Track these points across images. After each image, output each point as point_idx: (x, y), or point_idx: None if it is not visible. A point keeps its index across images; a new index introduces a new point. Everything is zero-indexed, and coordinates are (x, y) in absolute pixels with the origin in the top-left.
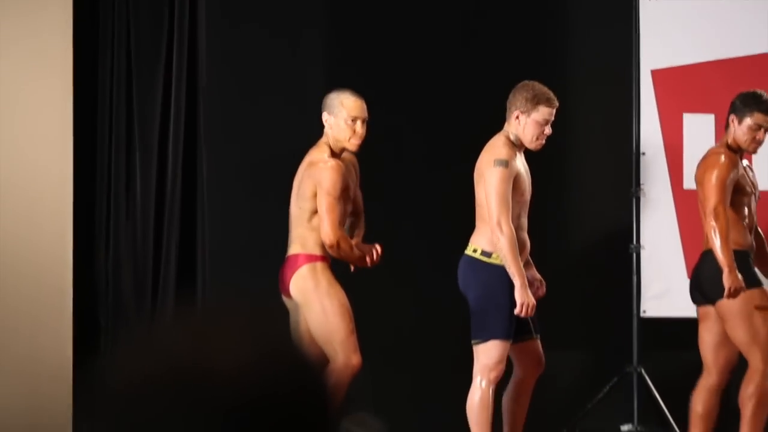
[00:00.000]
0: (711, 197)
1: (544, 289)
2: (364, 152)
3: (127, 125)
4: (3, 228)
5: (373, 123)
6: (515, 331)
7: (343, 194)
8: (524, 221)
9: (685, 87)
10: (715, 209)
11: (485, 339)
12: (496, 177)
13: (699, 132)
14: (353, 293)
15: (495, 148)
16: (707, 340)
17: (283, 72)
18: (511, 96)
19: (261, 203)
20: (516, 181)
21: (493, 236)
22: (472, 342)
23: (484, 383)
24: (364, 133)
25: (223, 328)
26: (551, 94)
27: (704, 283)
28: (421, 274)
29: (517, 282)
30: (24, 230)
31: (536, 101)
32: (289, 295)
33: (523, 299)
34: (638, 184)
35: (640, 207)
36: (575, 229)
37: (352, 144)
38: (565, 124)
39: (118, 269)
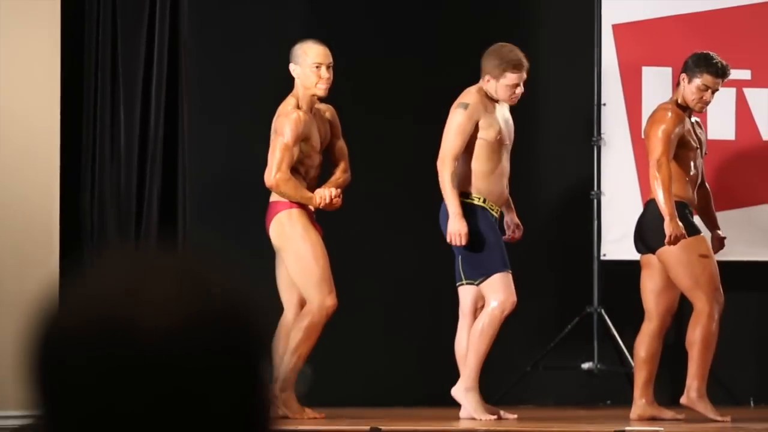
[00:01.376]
0: (655, 149)
1: (520, 233)
2: (346, 102)
3: (111, 73)
4: None
5: (355, 74)
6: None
7: (306, 145)
8: (506, 166)
9: (644, 41)
10: (658, 161)
11: (487, 275)
12: (454, 117)
13: (657, 84)
14: (337, 238)
15: (463, 95)
16: (649, 288)
17: (265, 22)
18: (483, 58)
19: (241, 148)
20: (488, 125)
21: (439, 170)
22: (475, 283)
23: (497, 312)
24: (331, 78)
25: (156, 276)
26: (520, 59)
27: (646, 232)
28: (402, 220)
29: (451, 210)
30: (12, 173)
31: (503, 68)
32: None
33: (451, 228)
34: (599, 133)
35: (601, 155)
36: (539, 175)
37: (320, 89)
38: (531, 77)
39: (103, 211)
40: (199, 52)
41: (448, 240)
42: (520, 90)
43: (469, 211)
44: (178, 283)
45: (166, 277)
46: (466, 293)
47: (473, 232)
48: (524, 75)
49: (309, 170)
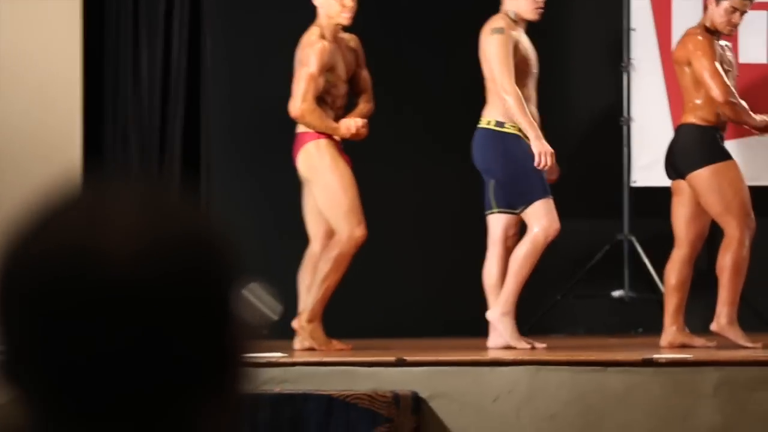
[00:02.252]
0: (713, 88)
1: (555, 176)
2: (370, 36)
3: (133, 7)
4: (16, 108)
5: (380, 4)
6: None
7: (331, 74)
8: (533, 94)
9: None
10: (725, 100)
11: (529, 203)
12: (494, 44)
13: (687, 9)
14: (361, 169)
15: (491, 22)
16: (680, 214)
17: None
18: None
19: (265, 81)
20: (518, 49)
21: (500, 100)
22: (517, 212)
23: (541, 237)
24: (355, 6)
25: (120, 205)
26: None
27: (677, 158)
28: (427, 149)
29: (531, 134)
30: (34, 110)
31: None
32: None
33: (539, 149)
34: (629, 58)
35: (630, 81)
36: (568, 102)
37: (344, 18)
38: (560, 3)
39: (126, 145)
40: None
41: (536, 162)
42: None
43: (505, 141)
44: (143, 212)
45: (130, 206)
46: (496, 222)
47: (512, 161)
48: None
49: (336, 100)
